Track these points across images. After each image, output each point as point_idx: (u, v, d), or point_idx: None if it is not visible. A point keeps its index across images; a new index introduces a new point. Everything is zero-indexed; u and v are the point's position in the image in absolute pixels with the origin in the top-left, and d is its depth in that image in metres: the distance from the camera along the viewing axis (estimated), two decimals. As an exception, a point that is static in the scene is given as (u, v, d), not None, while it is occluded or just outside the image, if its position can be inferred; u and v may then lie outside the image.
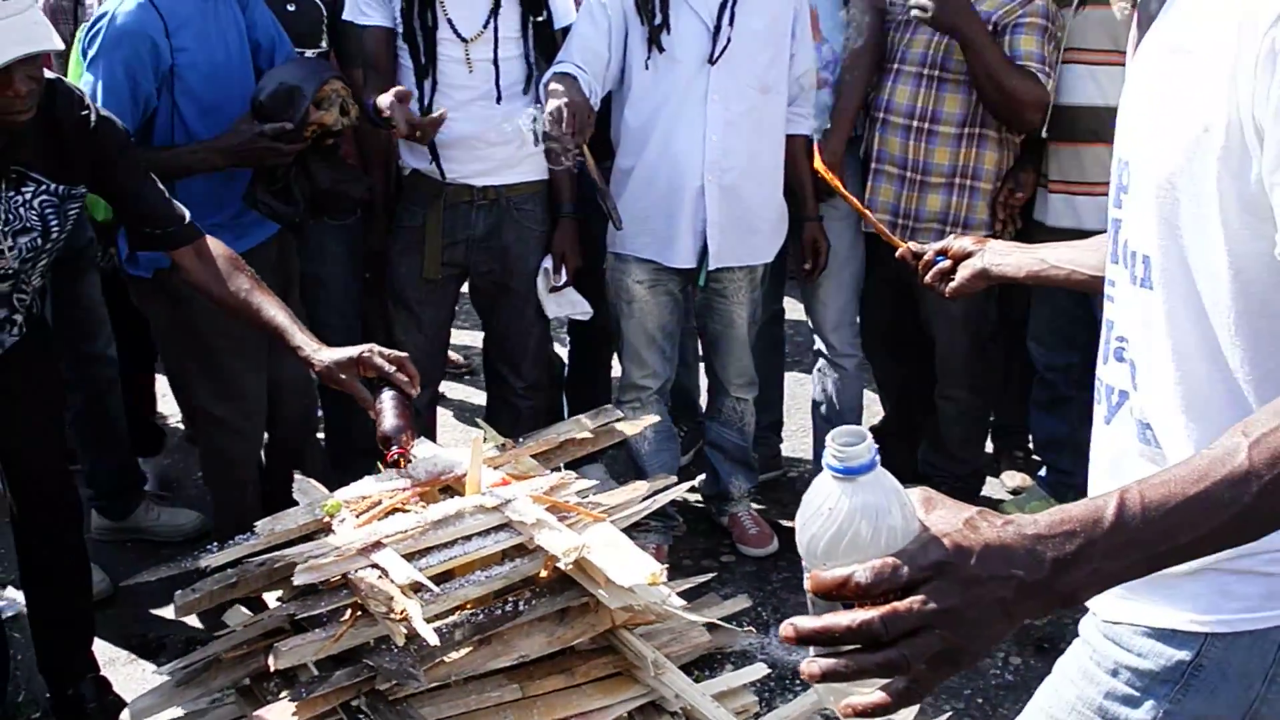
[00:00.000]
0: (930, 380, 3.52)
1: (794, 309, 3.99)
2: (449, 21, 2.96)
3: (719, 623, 2.65)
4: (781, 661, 2.82)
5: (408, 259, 3.15)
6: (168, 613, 2.53)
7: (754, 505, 3.55)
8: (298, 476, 2.46)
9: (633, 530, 2.47)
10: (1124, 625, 1.22)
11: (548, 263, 3.17)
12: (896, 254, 1.99)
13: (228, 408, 2.88)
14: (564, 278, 3.17)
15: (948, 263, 1.80)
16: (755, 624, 2.98)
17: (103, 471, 3.45)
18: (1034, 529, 0.86)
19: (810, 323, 3.59)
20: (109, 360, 3.45)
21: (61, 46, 2.18)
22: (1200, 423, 1.13)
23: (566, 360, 3.94)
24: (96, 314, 3.42)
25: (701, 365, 3.69)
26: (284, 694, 2.00)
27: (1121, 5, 2.99)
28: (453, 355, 4.82)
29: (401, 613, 1.83)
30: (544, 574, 2.11)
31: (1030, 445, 3.81)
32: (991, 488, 3.76)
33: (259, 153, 2.66)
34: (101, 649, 2.87)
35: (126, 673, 2.92)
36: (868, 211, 2.47)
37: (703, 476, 3.18)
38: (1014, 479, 3.79)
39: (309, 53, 3.06)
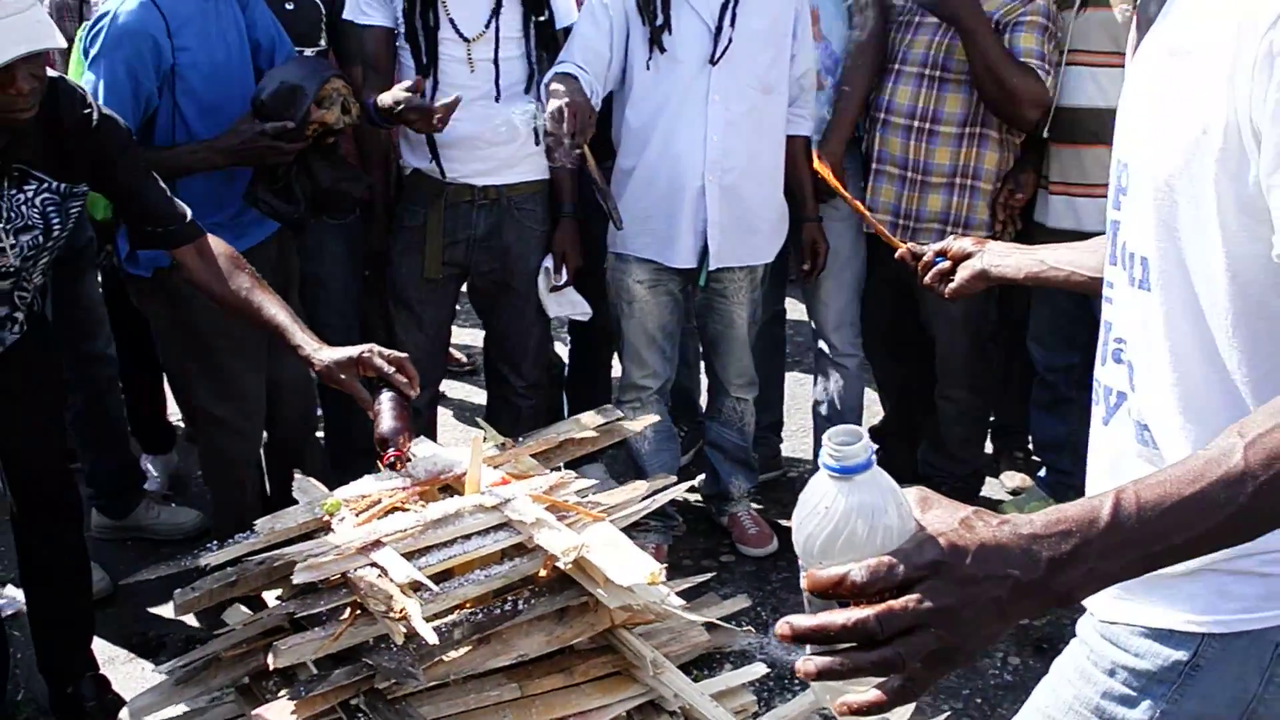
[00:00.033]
0: (930, 380, 3.53)
1: (794, 309, 3.99)
2: (451, 21, 2.96)
3: (718, 622, 2.65)
4: (780, 661, 2.82)
5: (408, 258, 3.15)
6: (167, 611, 2.53)
7: (754, 505, 3.55)
8: (297, 475, 2.45)
9: (632, 530, 2.48)
10: (1121, 625, 1.23)
11: (548, 262, 3.17)
12: (896, 255, 2.00)
13: (228, 407, 2.88)
14: (564, 277, 3.18)
15: (947, 264, 1.80)
16: (754, 624, 2.99)
17: (103, 471, 3.45)
18: (1030, 529, 0.86)
19: (811, 323, 3.60)
20: (109, 359, 3.46)
21: (64, 44, 2.18)
22: (1198, 424, 1.13)
23: (567, 360, 3.94)
24: (96, 313, 3.42)
25: (702, 365, 3.70)
26: (283, 692, 2.00)
27: (1123, 7, 3.00)
28: (456, 354, 4.82)
29: (401, 611, 1.84)
30: (543, 573, 2.12)
31: (1030, 446, 3.81)
32: (991, 488, 3.76)
33: (260, 152, 2.66)
34: (101, 647, 2.87)
35: (126, 671, 2.92)
36: (867, 212, 2.47)
37: (702, 476, 3.19)
38: (1014, 479, 3.79)
39: (308, 51, 3.06)
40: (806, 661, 0.87)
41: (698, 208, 3.08)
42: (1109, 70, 3.03)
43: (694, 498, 3.64)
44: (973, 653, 0.86)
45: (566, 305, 3.24)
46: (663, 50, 3.00)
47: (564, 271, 3.17)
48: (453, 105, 2.76)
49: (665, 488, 2.45)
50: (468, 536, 2.05)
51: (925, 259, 1.84)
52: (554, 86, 2.80)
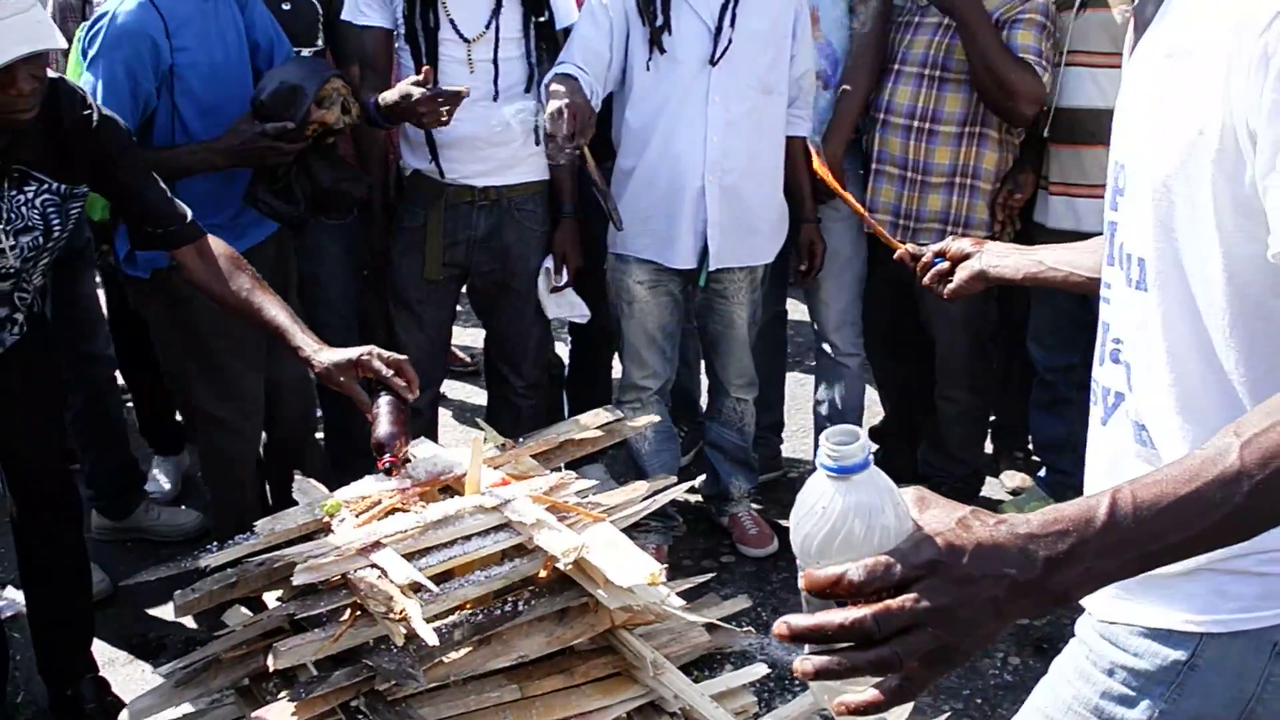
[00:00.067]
0: (930, 380, 3.53)
1: (794, 309, 3.99)
2: (451, 22, 2.96)
3: (718, 623, 2.65)
4: (781, 662, 2.82)
5: (409, 259, 3.15)
6: (167, 613, 2.53)
7: (754, 505, 3.55)
8: (297, 476, 2.46)
9: (633, 530, 2.47)
10: (1120, 625, 1.23)
11: (549, 263, 3.18)
12: (895, 256, 2.00)
13: (227, 408, 2.89)
14: (565, 278, 3.18)
15: (946, 264, 1.81)
16: (755, 624, 2.99)
17: (103, 471, 3.46)
18: (1026, 528, 0.86)
19: (813, 323, 3.60)
20: (108, 360, 3.46)
21: (65, 45, 2.18)
22: (1195, 424, 1.13)
23: (567, 360, 3.94)
24: (94, 313, 3.43)
25: (702, 365, 3.70)
26: (283, 694, 2.00)
27: (1122, 8, 3.00)
28: (460, 354, 4.82)
29: (401, 613, 1.84)
30: (543, 574, 2.11)
31: (1030, 446, 3.81)
32: (991, 488, 3.76)
33: (260, 152, 2.66)
34: (101, 649, 2.87)
35: (126, 673, 2.93)
36: (866, 213, 2.47)
37: (703, 477, 3.19)
38: (1014, 479, 3.79)
39: (305, 52, 3.07)
40: (804, 661, 0.87)
41: (698, 208, 3.08)
42: (1109, 71, 3.04)
43: (694, 498, 3.64)
44: (970, 652, 0.86)
45: (565, 307, 3.24)
46: (663, 51, 3.00)
47: (564, 272, 3.18)
48: (459, 95, 2.75)
49: (665, 488, 2.45)
50: (468, 537, 2.05)
51: (924, 260, 1.85)
52: (554, 87, 2.80)
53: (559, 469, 2.41)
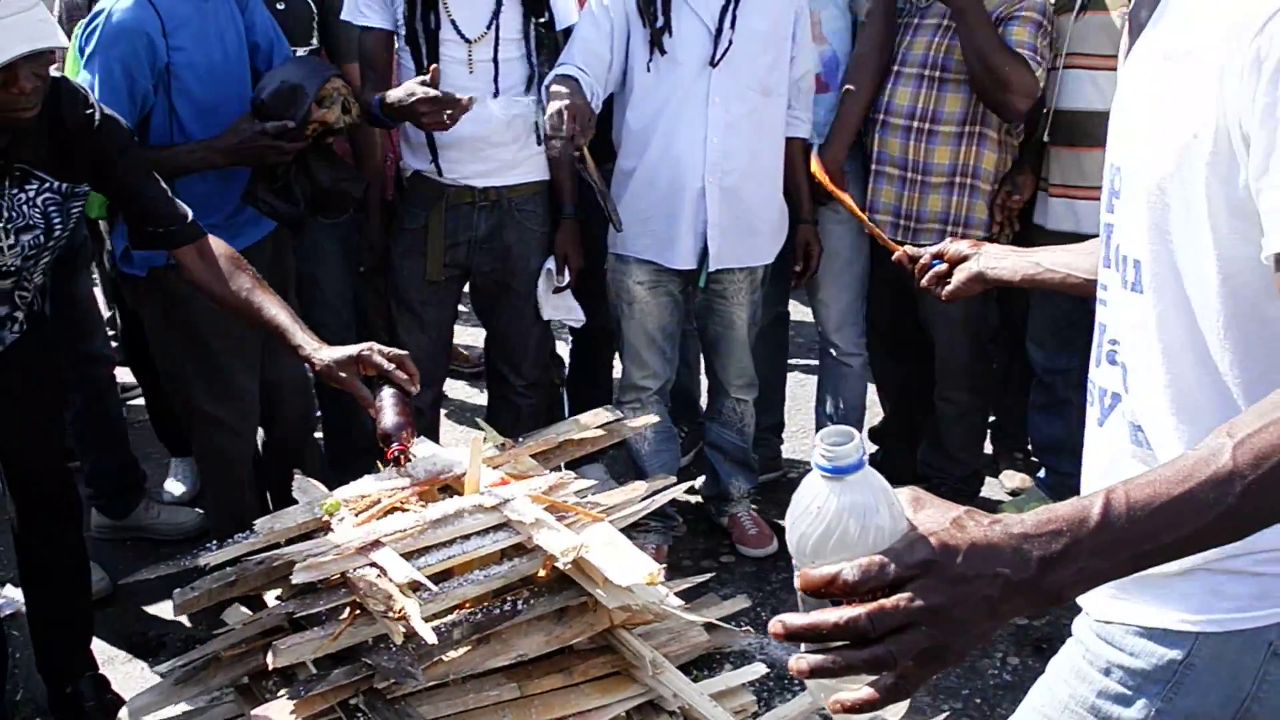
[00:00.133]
0: (930, 380, 3.53)
1: (795, 310, 3.99)
2: (453, 23, 2.97)
3: (718, 623, 2.66)
4: (780, 662, 2.82)
5: (410, 261, 3.16)
6: (167, 611, 2.53)
7: (753, 506, 3.56)
8: (297, 475, 2.46)
9: (632, 530, 2.48)
10: (1116, 625, 1.23)
11: (550, 264, 3.18)
12: (893, 257, 2.00)
13: (226, 408, 2.89)
14: (567, 278, 3.19)
15: (944, 266, 1.81)
16: (754, 624, 2.99)
17: (102, 471, 3.46)
18: (1020, 528, 0.87)
19: (816, 323, 3.61)
20: (107, 359, 3.46)
21: (67, 43, 2.19)
22: (1191, 425, 1.14)
23: (567, 360, 3.94)
24: (94, 313, 3.43)
25: (702, 366, 3.70)
26: (282, 692, 2.00)
27: (1122, 11, 3.00)
28: (465, 353, 4.82)
29: (400, 611, 1.84)
30: (542, 573, 2.12)
31: (1029, 446, 3.81)
32: (990, 489, 3.77)
33: (260, 151, 2.67)
34: (100, 647, 2.87)
35: (125, 671, 2.93)
36: (864, 216, 2.48)
37: (703, 477, 3.19)
38: (1013, 480, 3.80)
39: (300, 51, 3.07)
40: (799, 659, 0.87)
41: (698, 209, 3.08)
42: (1108, 73, 3.03)
43: (694, 498, 3.65)
44: (964, 651, 0.87)
45: (562, 309, 3.25)
46: (663, 52, 3.00)
47: (566, 273, 3.18)
48: (467, 104, 2.76)
49: (665, 488, 2.45)
50: (467, 537, 2.05)
51: (922, 261, 1.85)
52: (554, 88, 2.81)
53: (558, 469, 2.41)
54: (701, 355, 3.62)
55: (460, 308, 3.43)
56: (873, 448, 3.90)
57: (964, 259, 1.77)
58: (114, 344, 4.25)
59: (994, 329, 3.53)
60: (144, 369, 3.66)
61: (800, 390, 4.39)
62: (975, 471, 3.66)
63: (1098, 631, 1.26)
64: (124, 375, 4.12)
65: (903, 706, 0.93)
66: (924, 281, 1.85)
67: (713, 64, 3.00)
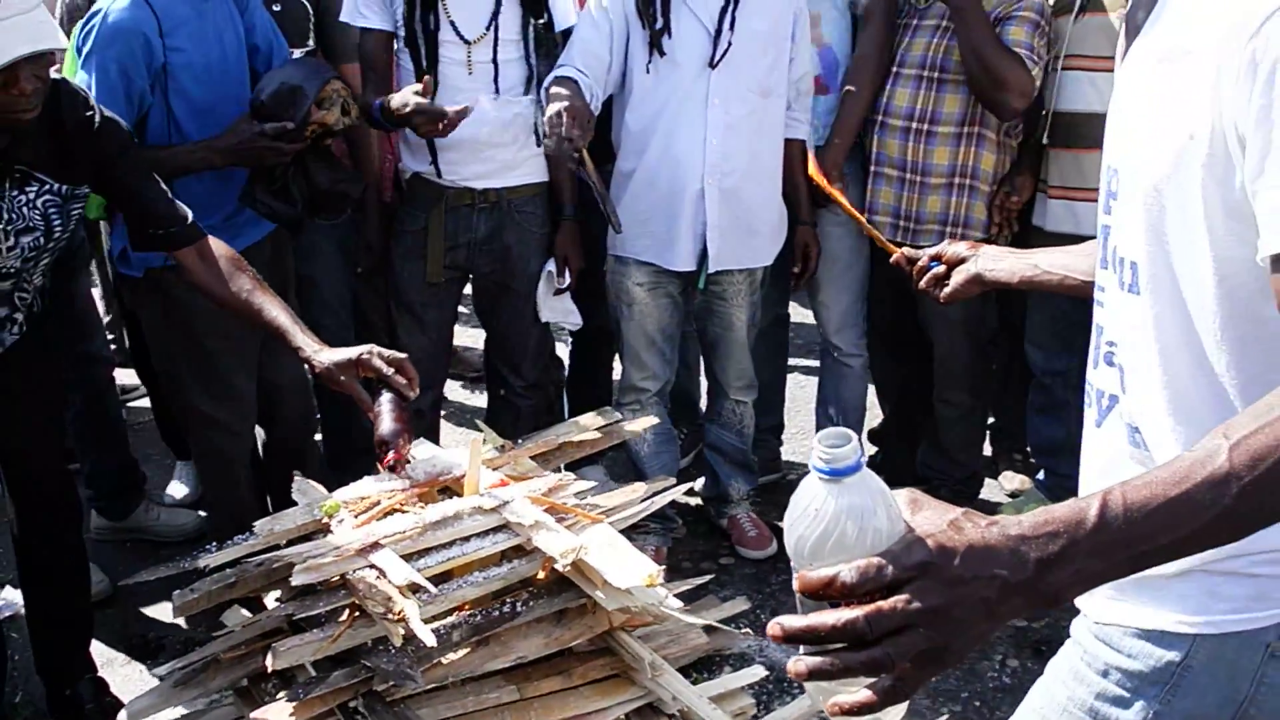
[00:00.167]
0: (930, 380, 3.53)
1: (795, 312, 3.99)
2: (452, 24, 2.97)
3: (717, 625, 2.66)
4: (779, 664, 2.82)
5: (410, 263, 3.16)
6: (166, 613, 2.53)
7: (753, 508, 3.56)
8: (297, 477, 2.46)
9: (632, 532, 2.48)
10: (1114, 626, 1.24)
11: (551, 265, 3.19)
12: (891, 259, 2.00)
13: (225, 409, 2.89)
14: (567, 280, 3.19)
15: (942, 268, 1.81)
16: (754, 626, 2.98)
17: (102, 472, 3.46)
18: (1018, 530, 0.87)
19: (817, 325, 3.62)
20: (106, 360, 3.46)
21: (67, 45, 2.19)
22: (1188, 426, 1.14)
23: (567, 361, 3.95)
24: (93, 314, 3.43)
25: (702, 367, 3.70)
26: (282, 694, 2.00)
27: (1121, 12, 3.00)
28: (466, 357, 4.82)
29: (399, 613, 1.84)
30: (542, 575, 2.12)
31: (1029, 448, 3.81)
32: (990, 490, 3.77)
33: (259, 152, 2.67)
34: (99, 649, 2.87)
35: (124, 673, 2.93)
36: (862, 218, 2.48)
37: (702, 479, 3.19)
38: (1012, 481, 3.80)
39: (296, 52, 3.08)
40: (797, 661, 0.88)
41: (697, 210, 3.08)
42: (1107, 75, 3.04)
43: (694, 500, 3.65)
44: (962, 652, 0.87)
45: (560, 312, 3.25)
46: (662, 53, 3.01)
47: (567, 274, 3.19)
48: (463, 113, 2.77)
49: (664, 490, 2.45)
50: (466, 538, 2.05)
51: (920, 263, 1.86)
52: (554, 90, 2.81)
53: (558, 470, 2.41)
54: (701, 357, 3.62)
55: (461, 309, 3.43)
56: (873, 449, 3.90)
57: (962, 261, 1.77)
58: (113, 346, 4.26)
59: (993, 330, 3.53)
60: (149, 371, 3.66)
61: (800, 392, 4.40)
62: (974, 473, 3.66)
63: (1095, 633, 1.26)
64: (124, 377, 4.13)
65: (902, 709, 0.93)
66: (922, 283, 1.85)
67: (712, 65, 3.00)
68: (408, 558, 1.97)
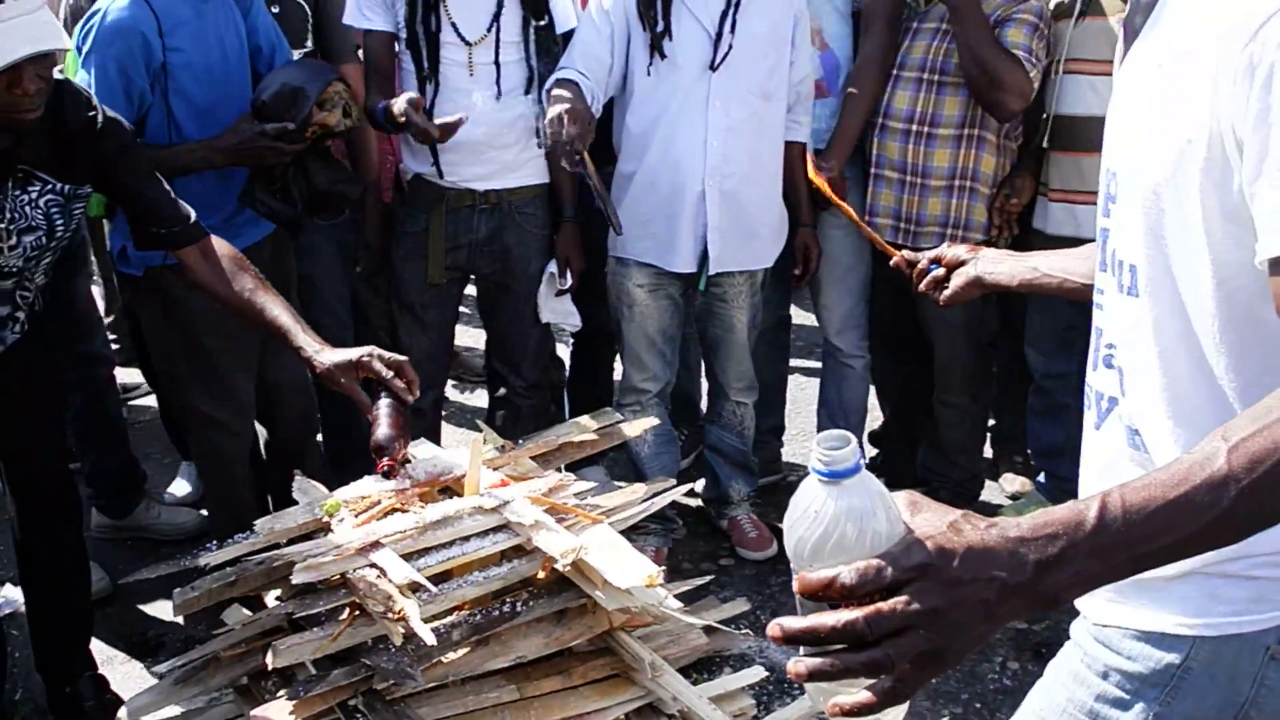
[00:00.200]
0: (930, 380, 3.53)
1: (795, 314, 4.00)
2: (453, 25, 2.97)
3: (717, 625, 2.66)
4: (779, 665, 2.82)
5: (412, 264, 3.17)
6: (166, 611, 2.53)
7: (753, 509, 3.56)
8: (298, 476, 2.46)
9: (632, 533, 2.48)
10: (1113, 628, 1.24)
11: (553, 267, 3.19)
12: (891, 263, 2.01)
13: (225, 409, 2.89)
14: (569, 281, 3.20)
15: (941, 271, 1.82)
16: (754, 627, 2.98)
17: (103, 471, 3.46)
18: (1017, 531, 0.87)
19: (819, 326, 3.62)
20: (107, 359, 3.46)
21: (71, 46, 2.19)
22: (1187, 428, 1.14)
23: (568, 361, 3.95)
24: (93, 313, 3.43)
25: (703, 369, 3.71)
26: (282, 693, 2.01)
27: (1121, 16, 3.01)
28: (474, 362, 4.82)
29: (399, 612, 1.84)
30: (542, 575, 2.12)
31: (1029, 451, 3.81)
32: (990, 492, 3.77)
33: (260, 152, 2.67)
34: (100, 647, 2.88)
35: (124, 671, 2.93)
36: (862, 222, 2.49)
37: (703, 480, 3.19)
38: (1013, 484, 3.80)
39: (295, 53, 3.08)
40: (797, 662, 0.88)
41: (698, 212, 3.09)
42: (1108, 79, 3.04)
43: (694, 501, 3.65)
44: (962, 654, 0.87)
45: (560, 313, 3.26)
46: (663, 56, 3.01)
47: (568, 276, 3.19)
48: (454, 126, 2.78)
49: (664, 490, 2.45)
50: (467, 538, 2.06)
51: (920, 266, 1.86)
52: (555, 92, 2.81)
53: (559, 471, 2.42)
54: (702, 358, 3.63)
55: (462, 309, 3.44)
56: (873, 451, 3.90)
57: (961, 264, 1.77)
58: (115, 345, 4.26)
59: (994, 332, 3.53)
60: (154, 370, 3.66)
61: (800, 393, 4.40)
62: (975, 475, 3.66)
63: (1095, 635, 1.26)
64: (125, 375, 4.13)
65: (901, 710, 0.93)
66: (921, 286, 1.85)
67: (713, 68, 3.01)
68: (408, 557, 1.98)
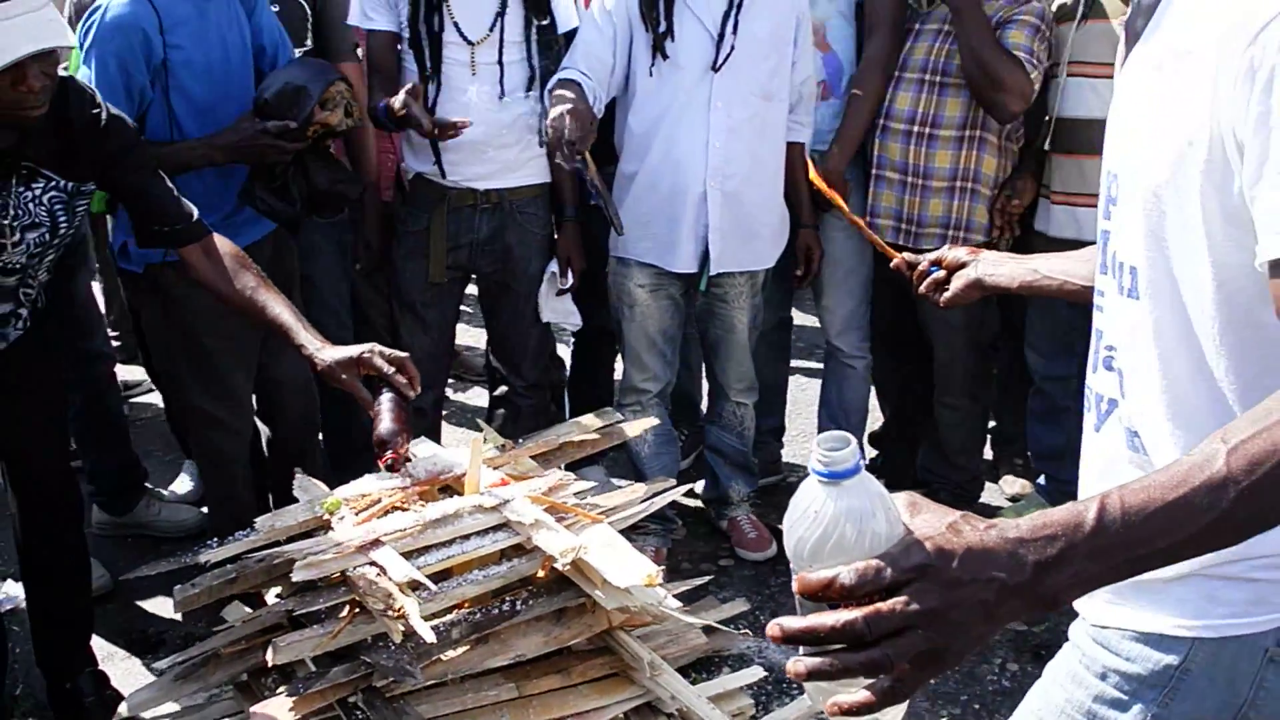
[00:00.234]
0: (931, 380, 3.54)
1: (796, 315, 4.00)
2: (456, 25, 2.98)
3: (716, 625, 2.66)
4: (778, 665, 2.83)
5: (413, 263, 3.17)
6: (167, 608, 2.54)
7: (753, 510, 3.56)
8: (298, 474, 2.47)
9: (631, 533, 2.49)
10: (1112, 630, 1.24)
11: (554, 267, 3.19)
12: (891, 264, 2.01)
13: (224, 407, 2.89)
14: (570, 280, 3.20)
15: (942, 273, 1.82)
16: (753, 627, 2.99)
17: (103, 470, 3.46)
18: (1016, 532, 0.87)
19: (821, 327, 3.63)
20: (107, 357, 3.46)
21: (75, 43, 2.19)
22: (1186, 430, 1.14)
23: (569, 361, 3.95)
24: (93, 311, 3.43)
25: (703, 369, 3.71)
26: (281, 689, 2.01)
27: (1123, 19, 3.00)
28: (474, 362, 4.82)
29: (399, 610, 1.85)
30: (541, 574, 2.13)
31: (1029, 453, 3.81)
32: (990, 494, 3.77)
33: (261, 149, 2.68)
34: (100, 643, 2.88)
35: (125, 667, 2.93)
36: (862, 224, 2.49)
37: (703, 481, 3.19)
38: (1013, 486, 3.80)
39: (296, 52, 3.08)
40: (796, 662, 0.88)
41: (699, 213, 3.09)
42: (1110, 82, 3.02)
43: (694, 501, 3.65)
44: (961, 654, 0.87)
45: (561, 313, 3.26)
46: (665, 57, 3.01)
47: (569, 275, 3.20)
48: (453, 127, 2.78)
49: (664, 491, 2.46)
50: (466, 537, 2.06)
51: (920, 268, 1.86)
52: (557, 93, 2.82)
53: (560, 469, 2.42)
54: (702, 359, 3.63)
55: (464, 308, 3.44)
56: (873, 452, 3.91)
57: (962, 266, 1.77)
58: (118, 343, 4.27)
59: (994, 334, 3.53)
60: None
61: (801, 394, 4.40)
62: (975, 477, 3.66)
63: (1094, 636, 1.27)
64: (125, 373, 4.13)
65: (900, 710, 0.94)
66: (922, 288, 1.85)
67: (715, 69, 3.01)
68: (408, 555, 1.98)
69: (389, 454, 2.09)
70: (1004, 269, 1.70)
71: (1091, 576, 0.87)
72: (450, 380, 4.37)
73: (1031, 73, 3.04)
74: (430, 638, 1.85)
